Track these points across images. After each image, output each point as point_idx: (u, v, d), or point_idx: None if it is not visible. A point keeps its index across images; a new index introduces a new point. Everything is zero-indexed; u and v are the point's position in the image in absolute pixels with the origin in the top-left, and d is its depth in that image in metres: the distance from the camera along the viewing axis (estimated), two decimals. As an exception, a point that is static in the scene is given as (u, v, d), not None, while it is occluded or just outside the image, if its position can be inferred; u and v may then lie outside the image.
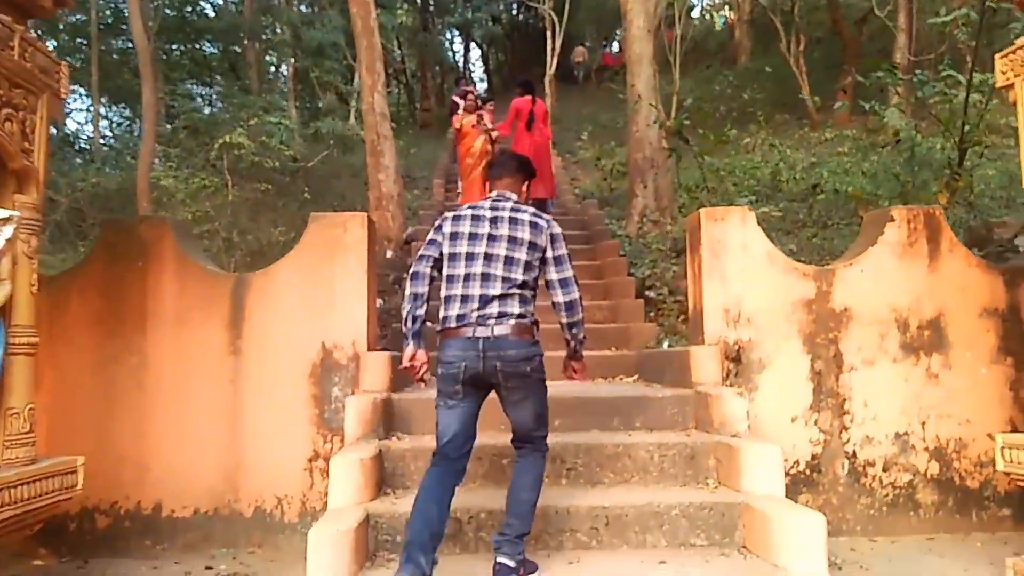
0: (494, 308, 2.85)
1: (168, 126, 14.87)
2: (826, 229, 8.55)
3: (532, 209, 3.08)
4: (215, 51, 23.70)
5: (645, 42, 9.31)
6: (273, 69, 18.08)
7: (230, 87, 18.03)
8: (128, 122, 22.65)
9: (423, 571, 2.62)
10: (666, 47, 14.48)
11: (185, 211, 8.69)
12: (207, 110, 18.98)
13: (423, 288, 3.03)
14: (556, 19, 15.91)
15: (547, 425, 3.08)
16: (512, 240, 2.94)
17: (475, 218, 3.01)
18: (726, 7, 28.27)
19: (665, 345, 5.79)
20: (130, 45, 20.63)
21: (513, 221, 2.99)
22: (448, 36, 27.18)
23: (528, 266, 2.93)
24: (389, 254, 8.02)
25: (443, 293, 2.98)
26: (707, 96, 16.48)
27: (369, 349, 4.26)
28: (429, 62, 24.03)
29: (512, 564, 2.80)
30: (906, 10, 15.56)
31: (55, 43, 21.44)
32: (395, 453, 3.66)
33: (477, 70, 31.77)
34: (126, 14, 19.92)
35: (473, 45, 29.60)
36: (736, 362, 4.24)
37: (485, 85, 28.63)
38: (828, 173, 10.55)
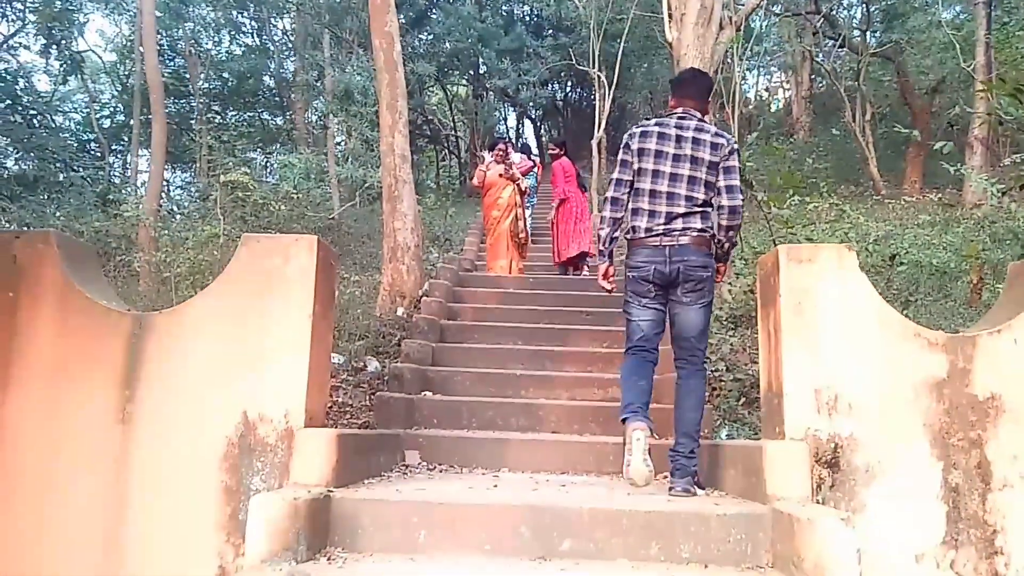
0: (679, 223, 3.32)
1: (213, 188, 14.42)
2: (909, 306, 7.23)
3: (713, 128, 3.42)
4: (270, 118, 23.89)
5: (701, 90, 8.27)
6: (314, 120, 17.63)
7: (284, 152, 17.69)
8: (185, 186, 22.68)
9: (647, 422, 3.21)
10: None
11: (189, 260, 7.80)
12: (269, 179, 18.67)
13: (621, 213, 3.45)
14: (607, 82, 15.10)
15: (707, 340, 3.54)
16: (695, 160, 3.33)
17: (661, 136, 3.37)
18: (782, 88, 27.51)
19: (723, 435, 4.47)
20: (191, 106, 20.97)
21: (696, 141, 3.35)
22: (502, 108, 26.84)
23: (708, 184, 3.34)
24: (400, 312, 6.91)
25: (632, 205, 3.41)
26: (764, 169, 15.43)
27: (310, 424, 3.07)
28: (480, 131, 23.55)
29: (687, 481, 3.26)
30: (985, 79, 14.31)
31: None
32: (318, 585, 2.43)
33: (530, 142, 31.39)
34: (187, 76, 20.21)
35: (527, 119, 29.23)
36: (832, 468, 2.91)
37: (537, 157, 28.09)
38: (908, 244, 9.24)
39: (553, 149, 9.68)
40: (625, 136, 3.50)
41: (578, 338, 6.01)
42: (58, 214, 11.80)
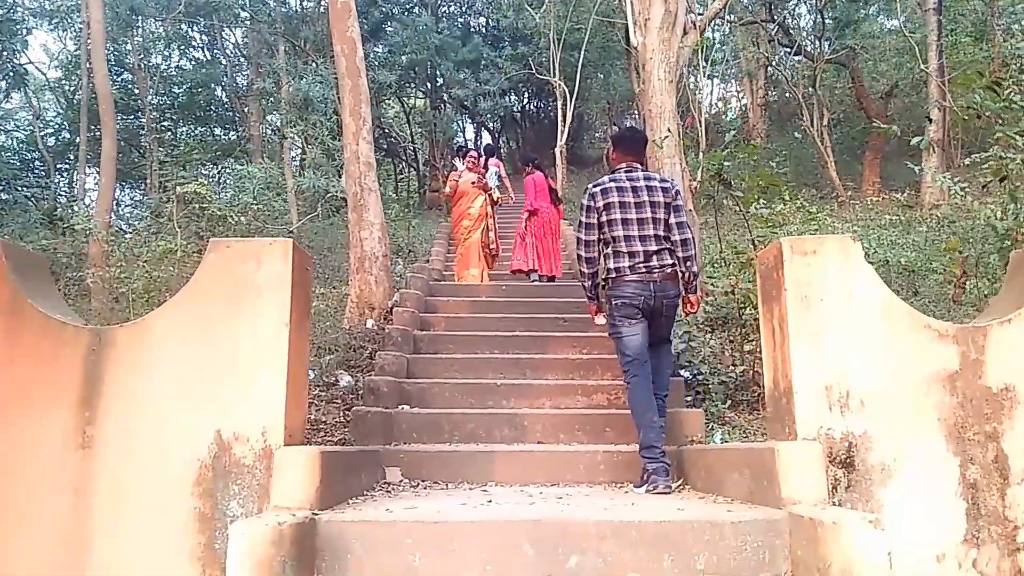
0: (655, 261, 3.81)
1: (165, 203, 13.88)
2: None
3: (656, 175, 3.99)
4: (222, 132, 23.30)
5: (667, 94, 8.20)
6: (269, 132, 17.18)
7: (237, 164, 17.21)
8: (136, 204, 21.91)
9: (667, 467, 3.64)
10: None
11: (145, 277, 7.42)
12: (222, 193, 18.16)
13: (595, 267, 3.95)
14: (568, 91, 15.06)
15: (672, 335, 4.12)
16: (653, 205, 3.83)
17: (619, 189, 3.85)
18: (736, 98, 27.88)
19: (717, 439, 4.33)
20: (139, 122, 20.33)
21: (649, 189, 3.85)
22: (459, 119, 26.68)
23: (666, 223, 3.84)
24: (370, 324, 6.66)
25: (610, 251, 3.86)
26: (737, 170, 15.54)
27: (290, 442, 2.84)
28: (438, 143, 23.31)
29: (668, 479, 3.59)
30: (937, 82, 14.60)
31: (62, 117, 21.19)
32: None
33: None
34: (135, 90, 19.58)
35: (485, 131, 29.10)
36: (847, 468, 2.78)
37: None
38: (875, 245, 9.32)
39: (525, 167, 9.49)
40: (585, 197, 3.96)
41: (558, 345, 5.84)
42: (2, 232, 11.24)
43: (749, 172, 6.19)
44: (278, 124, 14.70)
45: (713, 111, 26.36)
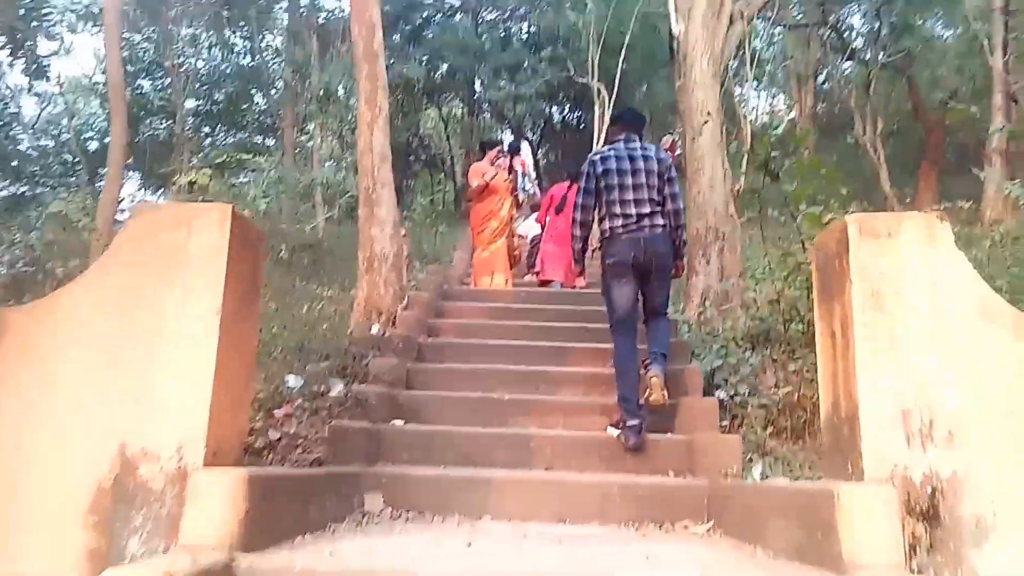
0: (647, 221, 4.09)
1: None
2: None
3: (652, 147, 4.32)
4: (262, 141, 23.23)
5: (710, 88, 7.53)
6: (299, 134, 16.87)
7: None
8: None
9: (643, 419, 3.88)
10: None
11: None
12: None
13: (588, 231, 4.32)
14: (607, 94, 14.45)
15: (668, 304, 4.34)
16: (648, 172, 4.16)
17: (617, 158, 4.19)
18: (785, 109, 26.96)
19: (756, 474, 3.64)
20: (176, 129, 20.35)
21: (645, 158, 4.20)
22: (498, 128, 26.26)
23: (659, 189, 4.16)
24: (375, 329, 6.08)
25: (604, 213, 4.18)
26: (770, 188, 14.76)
27: (215, 461, 2.26)
28: (475, 153, 22.86)
29: (661, 372, 3.99)
30: (1003, 89, 13.61)
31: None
32: None
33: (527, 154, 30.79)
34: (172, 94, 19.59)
35: (524, 140, 28.66)
36: (930, 521, 2.10)
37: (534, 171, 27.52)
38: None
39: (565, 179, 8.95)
40: (586, 164, 4.29)
41: (578, 357, 5.19)
42: (8, 226, 11.02)
43: (799, 164, 5.46)
44: (309, 127, 14.35)
45: (759, 122, 25.52)
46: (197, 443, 2.21)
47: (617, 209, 4.08)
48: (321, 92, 10.53)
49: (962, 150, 16.57)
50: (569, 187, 8.46)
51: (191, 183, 7.10)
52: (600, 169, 4.17)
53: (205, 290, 2.27)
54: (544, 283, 8.31)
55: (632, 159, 4.16)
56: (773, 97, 27.26)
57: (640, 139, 4.35)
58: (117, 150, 8.23)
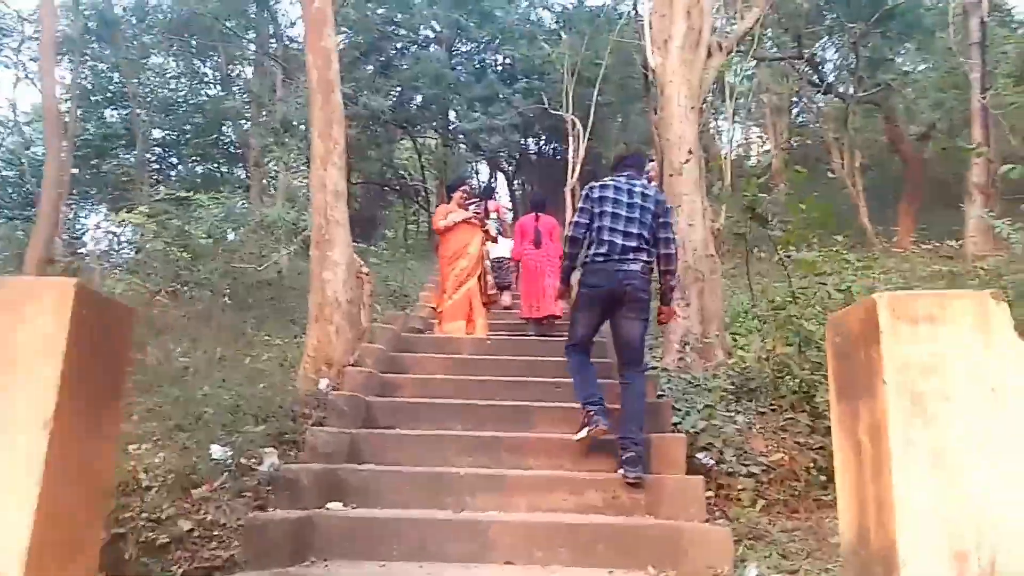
0: (630, 255, 4.17)
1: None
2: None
3: (652, 187, 4.53)
4: (228, 172, 22.58)
5: (688, 122, 7.11)
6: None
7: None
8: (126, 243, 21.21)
9: (608, 423, 4.00)
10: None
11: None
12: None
13: (579, 249, 4.34)
14: (582, 127, 14.12)
15: (645, 348, 4.45)
16: (643, 209, 4.25)
17: (616, 189, 4.29)
18: (760, 142, 26.89)
19: (752, 574, 3.10)
20: (143, 157, 19.71)
21: (643, 196, 4.30)
22: (473, 160, 25.89)
23: (649, 227, 4.24)
24: (323, 384, 5.49)
25: (592, 239, 4.25)
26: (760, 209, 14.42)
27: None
28: (448, 183, 22.42)
29: (638, 454, 3.88)
30: (981, 121, 13.44)
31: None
32: None
33: (502, 195, 30.42)
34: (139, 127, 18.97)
35: (499, 172, 28.30)
36: None
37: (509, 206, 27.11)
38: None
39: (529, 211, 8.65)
40: (586, 189, 4.44)
41: (547, 419, 4.65)
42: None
43: (792, 207, 5.03)
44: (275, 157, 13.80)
45: (734, 154, 25.33)
46: (15, 594, 1.63)
47: (605, 236, 4.17)
48: (278, 124, 10.01)
49: (941, 185, 16.39)
50: (536, 219, 8.10)
51: (148, 215, 6.53)
52: (597, 195, 4.29)
53: (31, 398, 1.70)
54: (526, 319, 7.89)
55: (631, 194, 4.27)
56: (747, 129, 27.25)
57: (640, 179, 4.48)
58: (50, 187, 7.63)
